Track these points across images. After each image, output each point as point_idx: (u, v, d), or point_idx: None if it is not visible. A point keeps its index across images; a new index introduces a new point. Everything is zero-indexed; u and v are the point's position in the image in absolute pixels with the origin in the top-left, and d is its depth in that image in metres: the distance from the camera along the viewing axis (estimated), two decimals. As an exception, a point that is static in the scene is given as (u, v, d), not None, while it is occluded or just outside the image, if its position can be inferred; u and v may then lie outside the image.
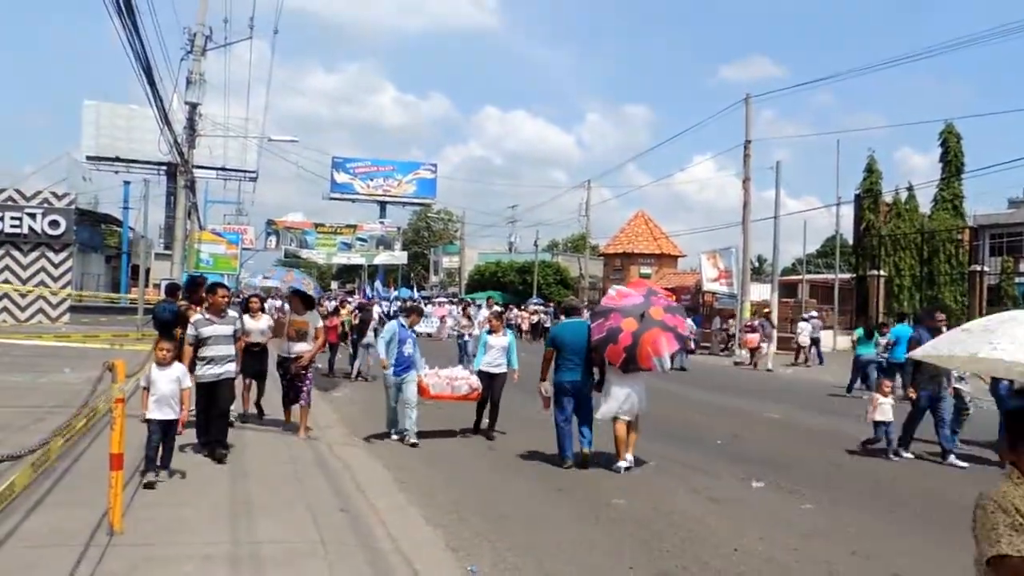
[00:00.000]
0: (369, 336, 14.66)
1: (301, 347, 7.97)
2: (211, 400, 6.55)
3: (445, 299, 38.95)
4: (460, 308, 29.49)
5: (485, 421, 8.71)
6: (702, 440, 9.09)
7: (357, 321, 14.82)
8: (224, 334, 6.64)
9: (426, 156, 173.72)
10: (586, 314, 8.31)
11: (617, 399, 7.14)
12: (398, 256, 54.54)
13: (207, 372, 6.52)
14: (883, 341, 13.87)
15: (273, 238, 52.96)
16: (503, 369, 8.70)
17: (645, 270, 38.06)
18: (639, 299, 7.44)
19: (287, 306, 9.17)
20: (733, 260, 24.84)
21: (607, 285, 38.41)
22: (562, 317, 7.86)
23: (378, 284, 40.58)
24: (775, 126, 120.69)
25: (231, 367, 6.68)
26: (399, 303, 30.59)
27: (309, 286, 8.42)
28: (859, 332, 14.92)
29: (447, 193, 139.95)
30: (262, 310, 8.69)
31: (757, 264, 56.27)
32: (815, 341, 22.30)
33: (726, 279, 25.23)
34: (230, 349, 6.64)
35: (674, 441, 8.90)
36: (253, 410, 8.78)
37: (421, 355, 8.32)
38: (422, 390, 8.22)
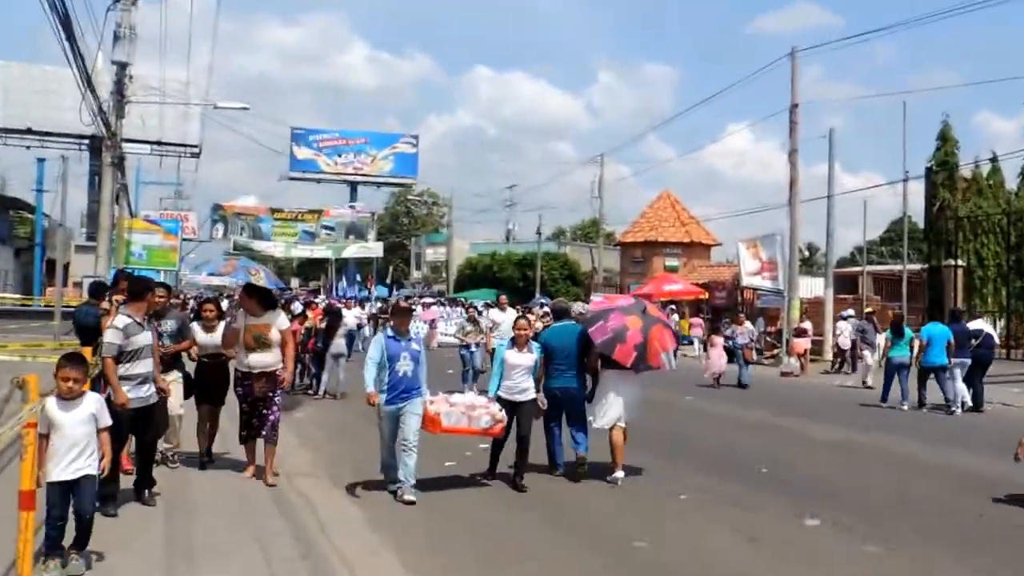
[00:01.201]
0: (338, 344, 14.65)
1: (264, 359, 7.37)
2: (138, 431, 6.30)
3: (431, 299, 38.94)
4: (463, 310, 29.58)
5: (505, 466, 7.98)
6: (743, 467, 9.12)
7: (323, 326, 14.78)
8: (150, 343, 6.34)
9: (405, 127, 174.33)
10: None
11: (617, 405, 8.08)
12: (372, 247, 54.52)
13: (138, 394, 6.12)
14: (916, 342, 14.55)
15: (220, 226, 52.95)
16: (530, 395, 7.82)
17: (671, 262, 38.06)
18: (631, 300, 8.72)
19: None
20: (778, 249, 24.82)
21: (626, 280, 38.46)
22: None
23: (343, 284, 40.75)
24: (827, 87, 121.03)
25: (154, 387, 6.42)
26: (378, 305, 30.78)
27: (259, 277, 8.38)
28: (888, 332, 15.34)
29: (431, 171, 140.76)
30: (220, 318, 8.30)
31: (807, 254, 56.40)
32: (856, 344, 22.46)
33: (770, 272, 25.20)
34: (152, 364, 6.35)
35: (709, 469, 8.94)
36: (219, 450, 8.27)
37: (425, 371, 7.41)
38: (430, 422, 7.30)
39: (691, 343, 28.79)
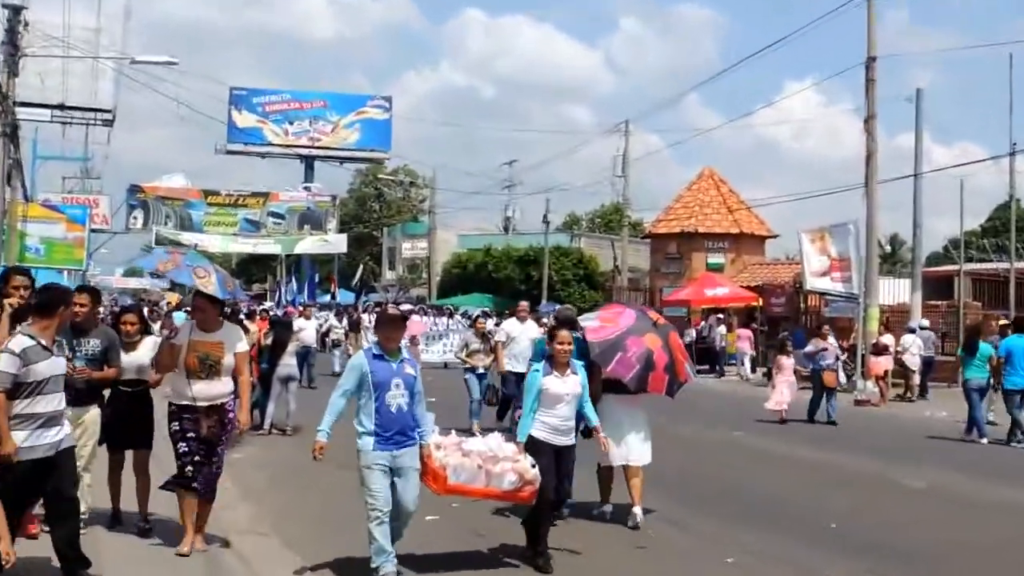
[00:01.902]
0: (288, 366, 14.65)
1: (212, 389, 7.14)
2: (42, 490, 6.06)
3: (410, 306, 38.92)
4: (469, 322, 29.21)
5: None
6: (806, 522, 9.14)
7: (268, 342, 14.78)
8: (61, 373, 6.15)
9: (376, 87, 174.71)
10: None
11: (628, 441, 8.55)
12: (333, 241, 54.56)
13: (41, 441, 5.90)
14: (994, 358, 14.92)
15: (139, 213, 53.00)
16: (573, 438, 7.55)
17: (715, 259, 38.02)
18: (634, 312, 9.16)
19: (178, 318, 8.96)
20: (851, 243, 24.77)
21: (657, 283, 38.46)
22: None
23: (292, 285, 40.63)
24: (913, 36, 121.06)
25: (69, 428, 6.26)
26: (347, 316, 30.64)
27: (208, 281, 7.37)
28: (961, 348, 15.89)
29: (409, 143, 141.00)
30: (146, 332, 8.10)
31: (889, 248, 56.50)
32: (927, 363, 22.50)
33: (841, 272, 25.18)
34: (64, 399, 6.18)
35: (763, 524, 8.95)
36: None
37: (425, 404, 6.97)
38: (432, 476, 6.88)
39: (736, 363, 28.79)
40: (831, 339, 19.20)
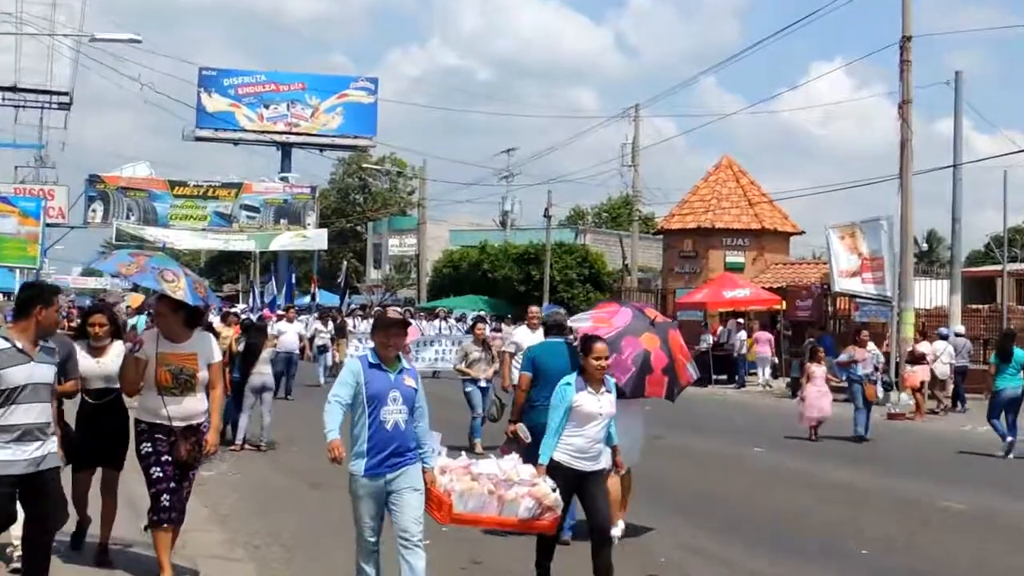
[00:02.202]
0: (262, 375, 14.62)
1: (189, 407, 7.04)
2: (31, 511, 6.02)
3: (399, 309, 38.85)
4: (465, 327, 28.92)
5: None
6: (834, 547, 9.14)
7: (240, 349, 14.75)
8: (45, 381, 6.11)
9: (360, 67, 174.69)
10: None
11: (623, 446, 8.35)
12: (313, 237, 54.65)
13: (17, 456, 5.93)
14: None
15: (99, 206, 53.04)
16: (604, 462, 7.43)
17: (734, 257, 38.00)
18: (629, 311, 9.27)
19: (141, 324, 8.85)
20: (884, 240, 24.81)
21: (670, 283, 38.48)
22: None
23: (271, 286, 40.53)
24: (952, 14, 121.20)
25: (54, 444, 6.17)
26: (331, 321, 30.43)
27: (178, 285, 7.13)
28: (994, 355, 16.07)
29: (396, 129, 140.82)
30: (117, 337, 7.94)
31: (925, 246, 56.48)
32: (961, 373, 22.52)
33: (872, 272, 25.20)
34: (49, 411, 6.15)
35: (788, 549, 8.97)
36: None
37: (427, 423, 6.71)
38: (435, 504, 6.68)
39: (757, 371, 28.77)
40: (871, 346, 18.97)
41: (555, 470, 7.07)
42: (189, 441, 6.97)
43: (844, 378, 18.35)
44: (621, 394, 8.25)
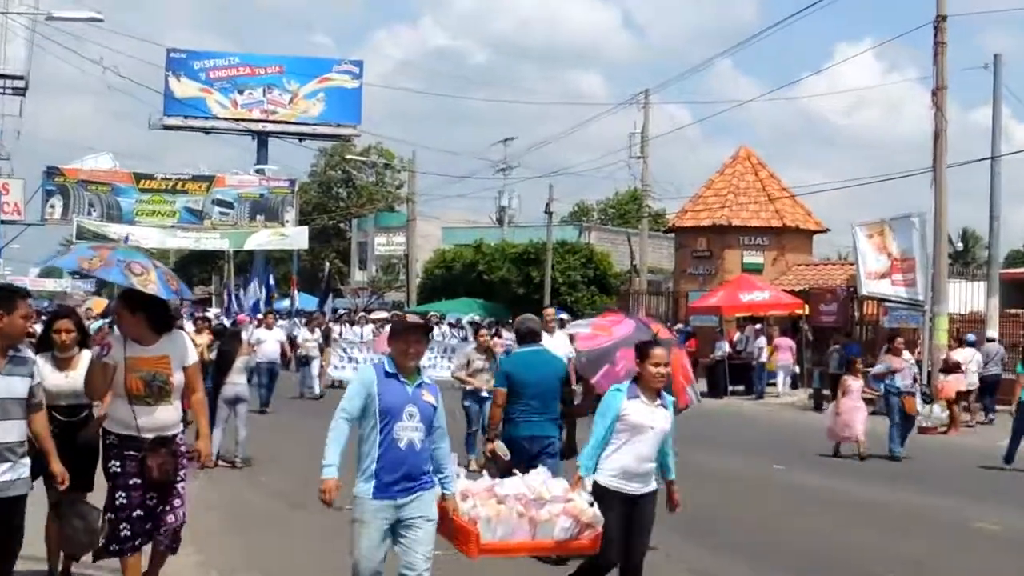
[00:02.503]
0: (237, 384, 14.71)
1: (162, 417, 6.88)
2: None
3: (386, 313, 38.94)
4: (463, 333, 28.59)
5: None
6: (859, 573, 9.24)
7: (212, 357, 14.83)
8: (15, 396, 6.09)
9: (343, 50, 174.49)
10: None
11: None
12: (292, 235, 54.62)
13: None
14: None
15: (57, 201, 53.08)
16: (654, 484, 7.16)
17: (753, 258, 38.09)
18: (632, 324, 9.31)
19: (110, 328, 8.69)
20: (916, 239, 24.90)
21: (683, 285, 38.56)
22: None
23: (254, 288, 40.52)
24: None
25: (27, 468, 6.15)
26: (318, 324, 30.10)
27: (148, 278, 6.98)
28: (1021, 363, 16.56)
29: (383, 117, 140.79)
30: (84, 346, 7.72)
31: (961, 246, 56.59)
32: (990, 384, 22.64)
33: (903, 274, 25.29)
34: (24, 428, 6.16)
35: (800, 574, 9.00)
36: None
37: (448, 444, 6.59)
38: (461, 536, 6.48)
39: (776, 380, 28.82)
40: (906, 355, 18.85)
41: (600, 495, 6.75)
42: (160, 456, 6.76)
43: (881, 390, 18.25)
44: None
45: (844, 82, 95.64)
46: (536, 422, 9.03)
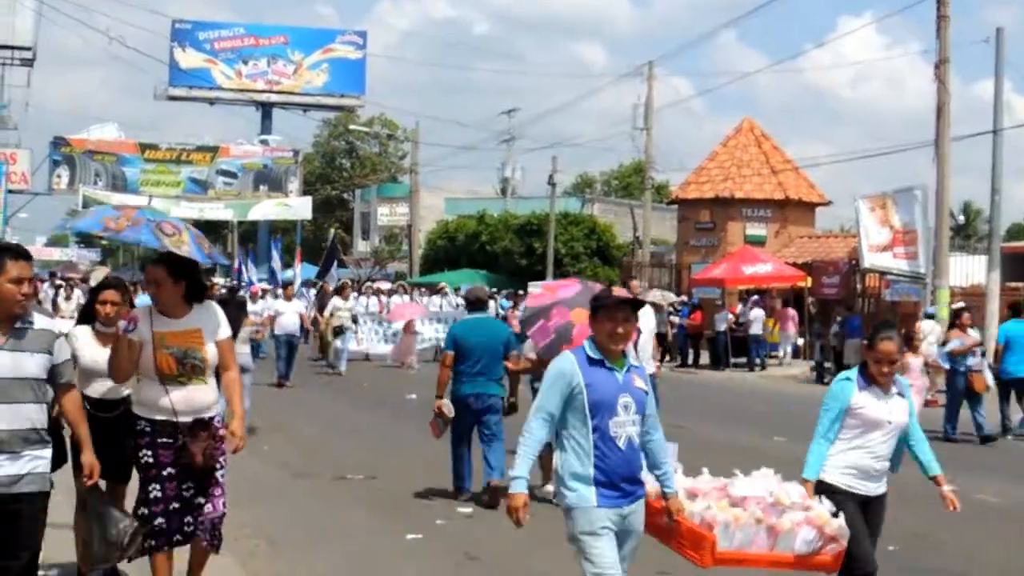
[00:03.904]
0: (241, 354, 14.70)
1: (199, 397, 6.30)
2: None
3: (390, 283, 38.91)
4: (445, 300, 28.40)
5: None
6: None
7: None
8: (28, 375, 5.31)
9: (347, 20, 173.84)
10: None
11: None
12: (295, 205, 54.55)
13: None
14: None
15: (64, 170, 53.03)
16: (885, 484, 6.60)
17: (756, 230, 38.04)
18: (578, 287, 10.13)
19: (139, 299, 8.29)
20: (918, 212, 24.86)
21: (685, 257, 38.56)
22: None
23: (275, 256, 40.44)
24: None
25: (44, 460, 5.39)
26: (315, 290, 29.02)
27: (181, 240, 6.28)
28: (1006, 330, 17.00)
29: (387, 88, 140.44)
30: (96, 319, 6.96)
31: (962, 219, 56.49)
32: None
33: (905, 247, 25.27)
34: (40, 414, 5.38)
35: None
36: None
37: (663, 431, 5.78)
38: (693, 541, 5.80)
39: (778, 352, 28.85)
40: (972, 332, 17.74)
41: (831, 495, 6.08)
42: (201, 440, 6.19)
43: (948, 368, 17.03)
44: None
45: (848, 55, 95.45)
46: (480, 382, 10.01)
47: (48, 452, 5.44)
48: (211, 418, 6.31)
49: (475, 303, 10.83)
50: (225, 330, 6.46)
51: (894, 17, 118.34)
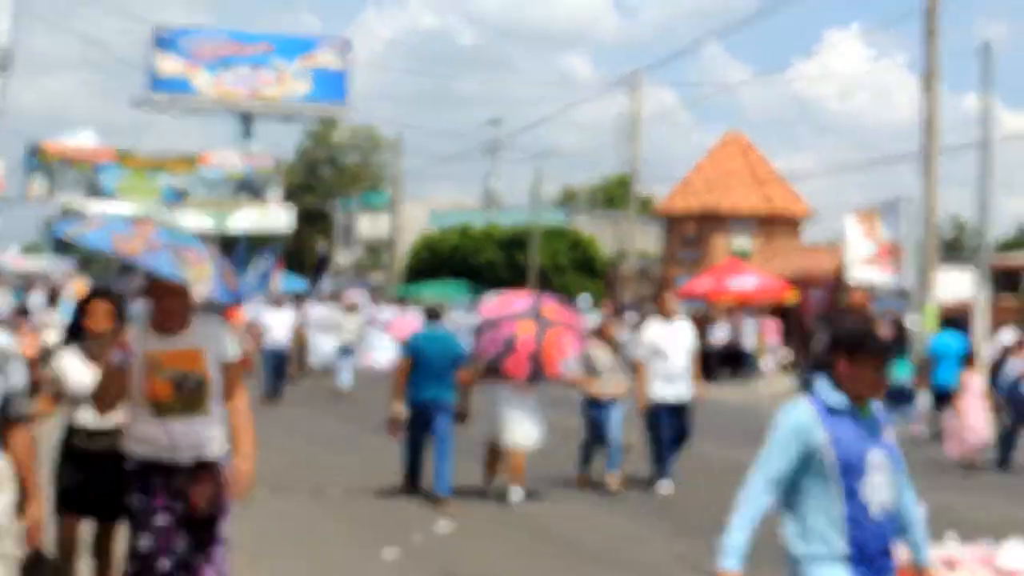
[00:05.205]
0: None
1: (197, 431, 5.43)
2: None
3: (363, 296, 38.81)
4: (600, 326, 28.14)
5: None
6: None
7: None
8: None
9: (330, 27, 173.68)
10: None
11: (521, 423, 10.80)
12: (276, 215, 54.40)
13: None
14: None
15: (40, 178, 52.74)
16: None
17: (741, 243, 38.17)
18: (526, 300, 11.44)
19: (63, 312, 7.83)
20: (903, 225, 24.89)
21: (671, 271, 38.57)
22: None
23: (265, 264, 40.22)
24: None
25: (4, 498, 4.54)
26: (318, 303, 28.29)
27: (202, 270, 5.29)
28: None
29: (370, 97, 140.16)
30: (84, 336, 6.24)
31: (950, 233, 56.66)
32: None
33: (891, 260, 25.30)
34: None
35: None
36: None
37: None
38: None
39: (762, 365, 28.89)
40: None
41: None
42: (203, 484, 5.38)
43: (1004, 393, 15.40)
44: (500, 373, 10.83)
45: (835, 67, 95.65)
46: (434, 388, 10.74)
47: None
48: (215, 458, 5.50)
49: (432, 315, 11.58)
50: (233, 351, 5.60)
51: (883, 28, 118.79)
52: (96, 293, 6.53)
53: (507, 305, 11.37)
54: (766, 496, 4.34)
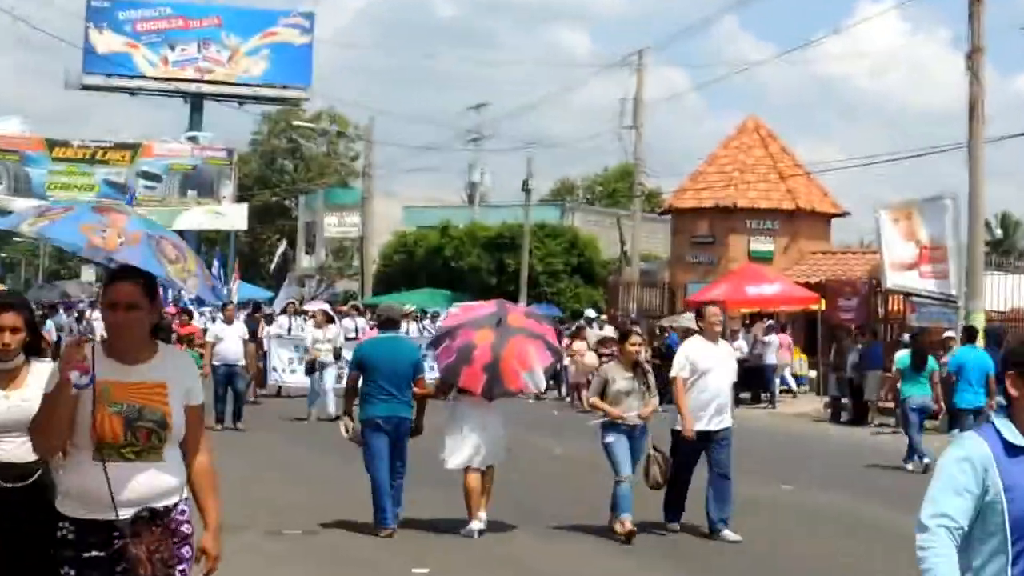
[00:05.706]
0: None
1: (147, 481, 4.77)
2: None
3: (336, 307, 38.72)
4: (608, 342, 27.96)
5: None
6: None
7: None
8: None
9: (291, 1, 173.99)
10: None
11: (470, 442, 10.90)
12: (228, 213, 54.33)
13: None
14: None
15: (-43, 171, 52.70)
16: None
17: (761, 244, 38.10)
18: (491, 308, 11.86)
19: (46, 326, 7.42)
20: (949, 225, 24.90)
21: (680, 276, 38.54)
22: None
23: (217, 272, 40.16)
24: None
25: None
26: (316, 320, 28.15)
27: (185, 267, 4.94)
28: (902, 359, 18.07)
29: (337, 78, 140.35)
30: (34, 352, 5.73)
31: (1000, 233, 56.74)
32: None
33: (933, 265, 25.30)
34: None
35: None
36: None
37: None
38: None
39: (795, 387, 28.83)
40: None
41: None
42: (148, 538, 4.72)
43: None
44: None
45: (867, 44, 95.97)
46: (389, 403, 10.90)
47: None
48: (169, 511, 4.86)
49: (386, 323, 11.89)
50: (198, 393, 5.06)
51: (920, 1, 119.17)
52: (2, 303, 5.76)
53: (469, 312, 11.97)
54: (952, 546, 3.86)
